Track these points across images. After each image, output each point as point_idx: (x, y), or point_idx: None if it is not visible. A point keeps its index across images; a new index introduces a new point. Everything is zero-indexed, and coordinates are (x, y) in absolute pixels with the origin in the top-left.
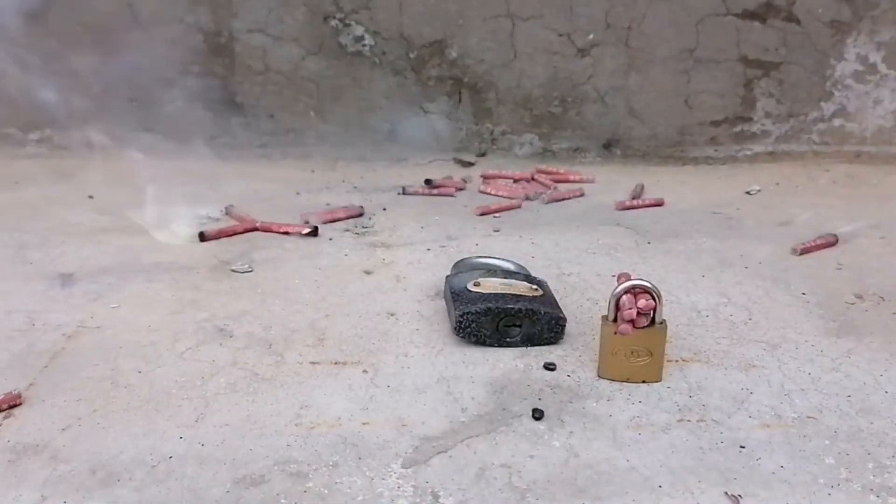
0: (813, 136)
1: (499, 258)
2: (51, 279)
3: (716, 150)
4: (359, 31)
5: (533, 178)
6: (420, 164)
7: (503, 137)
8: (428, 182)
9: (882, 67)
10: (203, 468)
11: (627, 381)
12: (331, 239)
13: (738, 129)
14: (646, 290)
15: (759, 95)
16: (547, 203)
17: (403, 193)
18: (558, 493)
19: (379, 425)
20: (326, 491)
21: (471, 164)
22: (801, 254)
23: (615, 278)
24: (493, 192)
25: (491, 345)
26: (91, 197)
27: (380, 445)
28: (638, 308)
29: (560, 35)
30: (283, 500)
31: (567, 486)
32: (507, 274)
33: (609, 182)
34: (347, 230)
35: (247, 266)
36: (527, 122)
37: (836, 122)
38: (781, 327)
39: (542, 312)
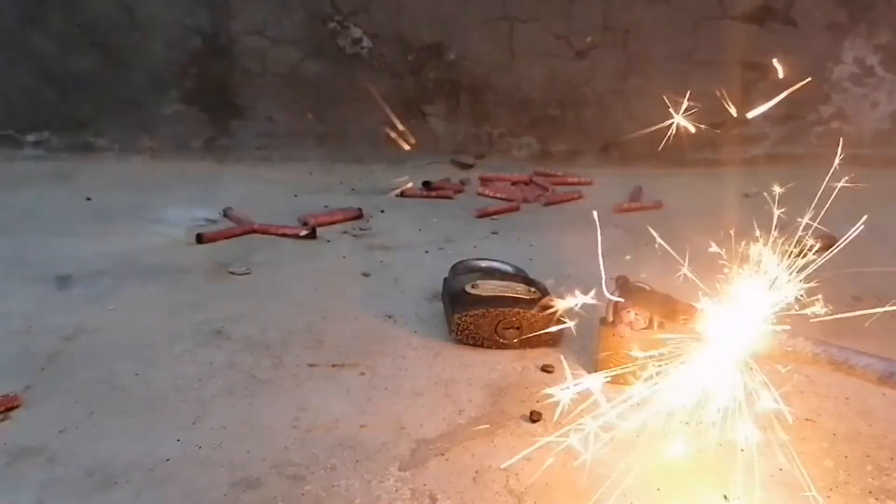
0: (811, 139)
1: (497, 260)
2: (48, 281)
3: (714, 153)
4: (357, 33)
5: (531, 181)
6: (418, 167)
7: (501, 140)
8: (426, 184)
9: (879, 70)
10: (200, 471)
11: (625, 383)
12: (329, 241)
13: (736, 131)
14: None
15: (757, 98)
16: (545, 205)
17: (401, 196)
18: (556, 496)
19: (377, 428)
20: (324, 494)
21: (469, 167)
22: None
23: (613, 281)
24: (491, 195)
25: (489, 347)
26: (89, 199)
27: (377, 448)
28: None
29: (558, 38)
30: (280, 503)
31: (565, 488)
32: (505, 276)
33: (607, 184)
34: (345, 232)
35: (244, 268)
36: (525, 124)
37: (834, 124)
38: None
39: (540, 315)
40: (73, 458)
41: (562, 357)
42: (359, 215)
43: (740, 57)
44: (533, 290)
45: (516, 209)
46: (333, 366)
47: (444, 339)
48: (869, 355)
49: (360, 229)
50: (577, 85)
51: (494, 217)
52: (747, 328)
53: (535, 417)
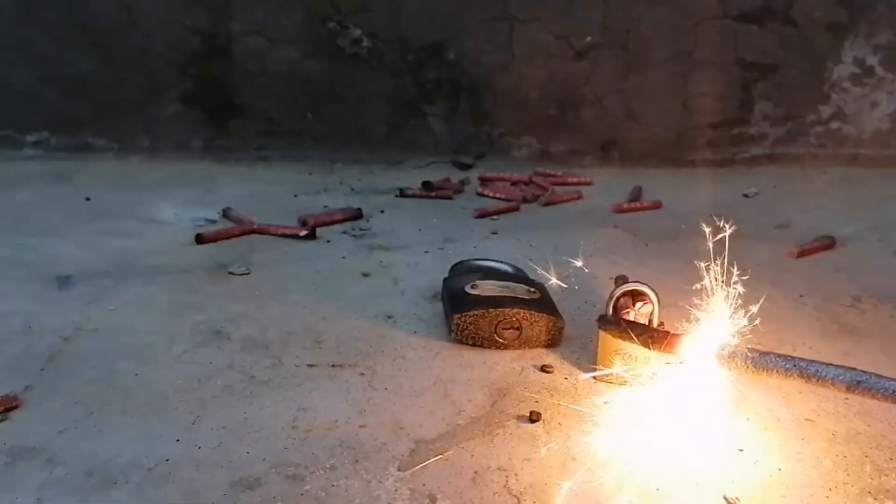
0: (810, 139)
1: (497, 260)
2: (48, 281)
3: (713, 153)
4: (357, 33)
5: (531, 181)
6: (418, 167)
7: (501, 140)
8: (426, 184)
9: (879, 70)
10: (200, 471)
11: (625, 383)
12: (328, 241)
13: (735, 131)
14: (643, 293)
15: (757, 98)
16: (545, 205)
17: (401, 196)
18: (555, 496)
19: (376, 428)
20: (324, 494)
21: (469, 167)
22: (799, 256)
23: (613, 280)
24: (491, 195)
25: (488, 347)
26: (88, 199)
27: (377, 448)
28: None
29: (558, 38)
30: (280, 503)
31: (564, 489)
32: (504, 276)
33: (607, 184)
34: (345, 232)
35: (244, 268)
36: (525, 124)
37: (834, 124)
38: (779, 329)
39: (540, 315)
40: (73, 459)
41: (562, 357)
42: (358, 215)
43: (740, 57)
44: (533, 290)
45: (516, 209)
46: (333, 366)
47: (444, 339)
48: (836, 366)
49: (360, 229)
50: (577, 85)
51: (494, 217)
52: (716, 349)
53: (534, 417)
